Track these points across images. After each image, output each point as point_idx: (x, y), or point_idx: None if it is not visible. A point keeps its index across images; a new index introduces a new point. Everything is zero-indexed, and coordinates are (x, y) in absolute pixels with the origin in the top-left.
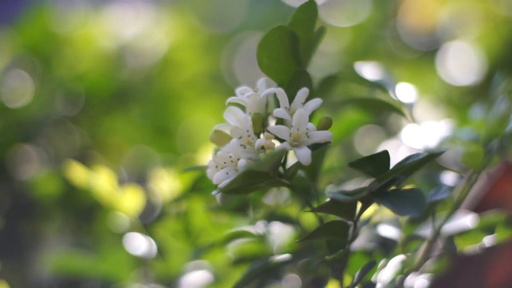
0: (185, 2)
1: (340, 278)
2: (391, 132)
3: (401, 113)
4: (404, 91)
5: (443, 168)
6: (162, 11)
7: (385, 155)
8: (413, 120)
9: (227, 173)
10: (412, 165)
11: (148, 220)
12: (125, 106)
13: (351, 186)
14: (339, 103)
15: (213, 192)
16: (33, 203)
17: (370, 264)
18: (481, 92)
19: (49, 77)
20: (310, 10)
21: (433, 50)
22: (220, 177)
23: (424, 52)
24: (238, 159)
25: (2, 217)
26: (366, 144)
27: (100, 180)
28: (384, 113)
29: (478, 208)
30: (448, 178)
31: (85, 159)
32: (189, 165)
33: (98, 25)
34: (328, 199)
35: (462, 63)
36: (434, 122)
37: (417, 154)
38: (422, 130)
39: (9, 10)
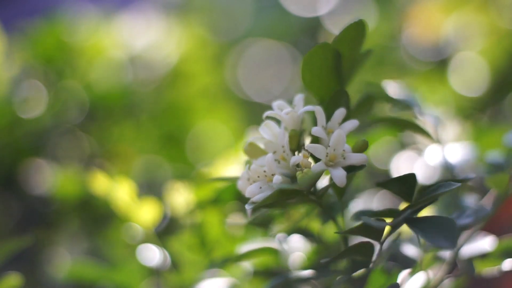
0: (192, 11)
1: None
2: (405, 142)
3: (428, 135)
4: (431, 112)
5: (466, 189)
6: (171, 21)
7: (412, 177)
8: (439, 141)
9: (260, 188)
10: (443, 193)
11: (163, 232)
12: (135, 116)
13: (365, 198)
14: (366, 122)
15: (246, 206)
16: (45, 213)
17: (394, 287)
18: (486, 104)
19: (61, 86)
20: (358, 30)
21: (439, 62)
22: (253, 191)
23: (432, 63)
24: (273, 174)
25: (12, 226)
26: (380, 154)
27: (121, 190)
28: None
29: (488, 226)
30: (470, 200)
31: (95, 168)
32: (205, 178)
33: (109, 35)
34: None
35: (466, 75)
36: (457, 143)
37: (449, 183)
38: (446, 151)
39: (21, 19)
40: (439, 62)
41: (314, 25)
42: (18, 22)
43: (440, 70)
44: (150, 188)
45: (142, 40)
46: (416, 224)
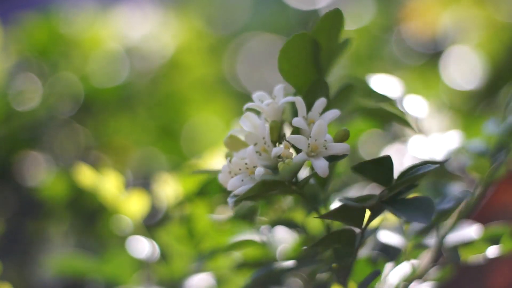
0: (190, 4)
1: (345, 285)
2: (395, 136)
3: (409, 126)
4: (413, 104)
5: (450, 177)
6: (168, 13)
7: (388, 160)
8: (420, 132)
9: (242, 180)
10: (422, 175)
11: (152, 223)
12: (131, 107)
13: (354, 191)
14: (346, 112)
15: (228, 199)
16: (38, 206)
17: (375, 274)
18: (482, 97)
19: (56, 79)
20: (335, 19)
21: (435, 55)
22: (235, 184)
23: (427, 57)
24: (254, 167)
25: (7, 219)
26: (369, 148)
27: (107, 183)
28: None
29: (479, 216)
30: (454, 188)
31: (91, 161)
32: (195, 170)
33: (105, 26)
34: (336, 206)
35: (464, 69)
36: (441, 134)
37: (427, 165)
38: (429, 142)
39: (16, 11)
40: (435, 56)
41: (312, 18)
42: (14, 14)
43: (435, 64)
44: (146, 180)
45: (138, 32)
46: (394, 204)
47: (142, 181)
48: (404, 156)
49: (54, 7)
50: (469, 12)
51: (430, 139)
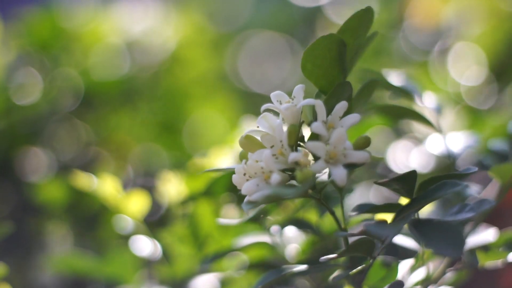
0: (192, 0)
1: None
2: (401, 132)
3: (428, 123)
4: (430, 99)
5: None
6: (170, 8)
7: (412, 175)
8: (439, 130)
9: (257, 185)
10: (447, 193)
11: (154, 223)
12: (132, 102)
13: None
14: (363, 109)
15: (243, 206)
16: (39, 204)
17: (398, 285)
18: (488, 91)
19: (57, 73)
20: (364, 18)
21: (439, 51)
22: (250, 189)
23: (431, 53)
24: (270, 171)
25: (7, 215)
26: (376, 143)
27: (105, 186)
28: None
29: (490, 217)
30: (473, 191)
31: (91, 157)
32: (199, 169)
33: (106, 21)
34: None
35: (467, 61)
36: (459, 132)
37: (454, 183)
38: (448, 140)
39: (17, 6)
40: (438, 52)
41: (314, 15)
42: (15, 9)
43: (439, 60)
44: (147, 176)
45: (139, 26)
46: (419, 228)
47: (143, 177)
48: (411, 152)
49: (55, 1)
50: (472, 2)
51: (448, 137)
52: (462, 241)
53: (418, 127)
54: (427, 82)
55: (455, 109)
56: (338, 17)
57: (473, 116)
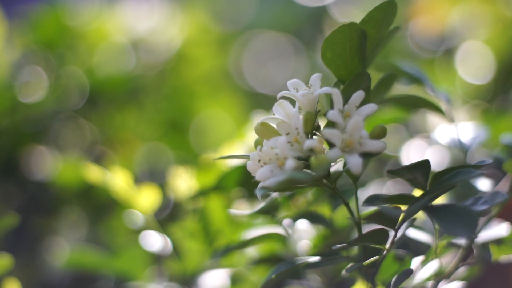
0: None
1: (373, 283)
2: (414, 130)
3: (441, 111)
4: (444, 90)
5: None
6: (175, 7)
7: (426, 164)
8: (452, 119)
9: (272, 171)
10: (461, 181)
11: (165, 218)
12: (138, 101)
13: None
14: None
15: (257, 191)
16: (46, 199)
17: (407, 272)
18: (493, 92)
19: (62, 71)
20: (388, 10)
21: (445, 52)
22: (264, 174)
23: (438, 53)
24: (285, 158)
25: (14, 212)
26: (390, 141)
27: (116, 179)
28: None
29: (503, 212)
30: (486, 185)
31: (97, 156)
32: (210, 162)
33: (112, 19)
34: (373, 208)
35: (472, 64)
36: (469, 123)
37: (469, 170)
38: (458, 130)
39: (22, 4)
40: (445, 52)
41: (319, 15)
42: (20, 6)
43: (446, 59)
44: (153, 175)
45: (145, 25)
46: (434, 212)
47: (148, 175)
48: (425, 150)
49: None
50: (477, 8)
51: (460, 128)
52: (475, 222)
53: (431, 126)
54: (435, 81)
55: (463, 107)
56: (344, 17)
57: (482, 115)
